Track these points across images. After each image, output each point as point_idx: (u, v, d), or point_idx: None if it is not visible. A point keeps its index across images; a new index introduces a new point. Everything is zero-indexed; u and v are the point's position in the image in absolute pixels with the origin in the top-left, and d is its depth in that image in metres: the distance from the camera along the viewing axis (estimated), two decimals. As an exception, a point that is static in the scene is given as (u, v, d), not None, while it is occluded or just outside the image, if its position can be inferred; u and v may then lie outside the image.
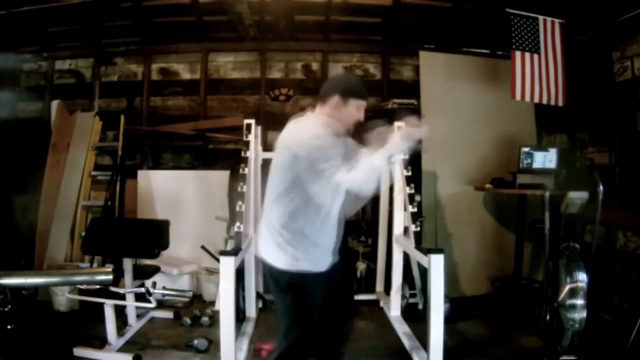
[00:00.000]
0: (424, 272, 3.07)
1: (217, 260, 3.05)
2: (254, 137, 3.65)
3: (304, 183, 1.90)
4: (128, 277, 3.29)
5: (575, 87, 4.12)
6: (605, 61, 3.92)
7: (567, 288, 2.78)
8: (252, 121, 3.68)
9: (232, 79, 5.13)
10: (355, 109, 2.05)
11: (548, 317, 2.87)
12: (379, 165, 1.83)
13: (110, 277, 1.21)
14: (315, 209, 1.96)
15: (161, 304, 3.82)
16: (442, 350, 2.59)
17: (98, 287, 3.06)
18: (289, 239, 1.97)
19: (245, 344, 3.14)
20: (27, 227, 4.62)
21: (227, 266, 2.60)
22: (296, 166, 1.90)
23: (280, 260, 1.99)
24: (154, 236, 3.30)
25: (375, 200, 4.47)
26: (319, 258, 2.02)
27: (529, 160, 3.98)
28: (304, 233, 1.97)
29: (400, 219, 3.71)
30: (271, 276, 2.05)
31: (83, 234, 3.81)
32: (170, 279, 4.15)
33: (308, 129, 1.96)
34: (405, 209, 3.48)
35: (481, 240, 4.57)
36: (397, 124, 3.63)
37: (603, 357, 3.01)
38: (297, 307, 2.01)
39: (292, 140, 1.97)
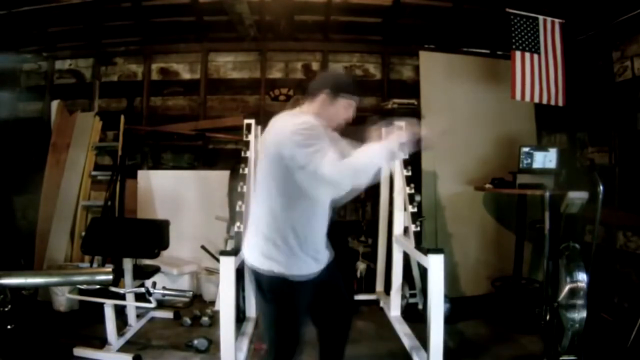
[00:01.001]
0: (424, 272, 3.07)
1: (217, 260, 3.04)
2: (254, 137, 3.64)
3: (293, 181, 1.79)
4: (128, 277, 3.29)
5: (575, 87, 4.12)
6: (605, 61, 3.92)
7: (567, 288, 2.78)
8: (252, 121, 3.68)
9: (232, 79, 5.13)
10: (345, 107, 1.94)
11: (548, 317, 2.87)
12: (372, 160, 1.71)
13: (110, 277, 1.21)
14: (303, 210, 1.87)
15: (161, 304, 3.82)
16: (442, 350, 2.59)
17: (98, 287, 3.06)
18: (276, 243, 1.86)
19: (245, 344, 3.14)
20: (27, 227, 4.62)
21: (227, 266, 2.61)
22: (281, 165, 1.79)
23: (264, 263, 1.87)
24: (154, 236, 3.30)
25: (375, 200, 4.48)
26: (305, 262, 1.90)
27: (529, 160, 3.98)
28: (289, 236, 1.86)
29: (400, 219, 3.71)
30: (255, 281, 1.93)
31: (83, 234, 3.81)
32: (170, 279, 4.15)
33: (289, 123, 1.82)
34: (405, 209, 3.47)
35: (481, 240, 4.56)
36: (397, 123, 3.66)
37: (603, 357, 3.01)
38: (278, 314, 1.91)
39: (273, 141, 1.85)
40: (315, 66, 5.12)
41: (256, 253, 1.91)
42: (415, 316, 3.69)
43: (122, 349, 3.12)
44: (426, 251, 2.70)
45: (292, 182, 1.81)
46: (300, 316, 1.96)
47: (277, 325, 1.93)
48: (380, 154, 1.74)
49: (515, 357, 3.16)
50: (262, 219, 1.91)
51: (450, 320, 3.42)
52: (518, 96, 3.90)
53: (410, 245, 3.13)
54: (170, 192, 4.60)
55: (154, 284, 3.14)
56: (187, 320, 3.67)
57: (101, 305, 3.12)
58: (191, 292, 3.51)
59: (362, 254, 4.45)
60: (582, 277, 2.76)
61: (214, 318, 3.61)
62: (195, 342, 3.20)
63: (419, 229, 3.14)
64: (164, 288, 3.22)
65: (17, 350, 2.68)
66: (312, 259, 1.93)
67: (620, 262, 3.73)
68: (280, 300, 1.89)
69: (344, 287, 2.19)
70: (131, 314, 3.51)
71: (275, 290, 1.88)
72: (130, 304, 3.41)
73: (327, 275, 2.02)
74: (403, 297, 3.85)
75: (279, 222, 1.87)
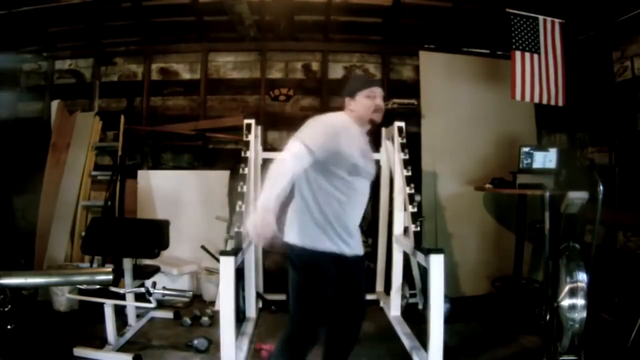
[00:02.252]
0: (424, 272, 3.07)
1: (217, 260, 3.04)
2: (254, 137, 3.65)
3: (318, 169, 2.06)
4: (128, 277, 3.29)
5: (575, 87, 4.11)
6: (605, 61, 3.92)
7: (567, 288, 2.78)
8: (252, 121, 3.68)
9: (232, 79, 5.13)
10: (367, 99, 2.15)
11: (548, 317, 2.87)
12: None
13: (110, 277, 1.21)
14: (329, 195, 2.07)
15: (161, 304, 3.82)
16: (442, 350, 2.59)
17: (98, 287, 3.06)
18: (307, 221, 2.07)
19: (245, 344, 3.14)
20: (27, 227, 4.62)
21: (227, 266, 2.60)
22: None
23: (296, 239, 2.08)
24: (154, 236, 3.30)
25: (375, 200, 4.48)
26: (333, 240, 2.08)
27: (529, 160, 3.98)
28: (319, 216, 2.07)
29: (400, 219, 3.71)
30: (289, 256, 2.15)
31: (83, 234, 3.81)
32: (170, 279, 4.15)
33: (326, 117, 2.13)
34: (405, 209, 3.47)
35: (481, 240, 4.56)
36: (397, 124, 3.66)
37: (603, 357, 3.01)
38: (304, 283, 2.09)
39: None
40: (315, 66, 5.12)
41: (292, 231, 2.13)
42: (415, 316, 3.68)
43: (122, 349, 3.12)
44: (426, 251, 2.70)
45: (318, 170, 2.05)
46: (323, 289, 2.09)
47: (302, 294, 2.10)
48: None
49: (515, 357, 3.16)
50: (297, 203, 2.14)
51: (450, 320, 3.41)
52: (518, 96, 3.90)
53: (410, 245, 3.13)
54: (170, 192, 4.60)
55: (154, 284, 3.14)
56: (187, 320, 3.66)
57: (101, 305, 3.12)
58: (191, 292, 3.51)
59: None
60: (582, 277, 2.75)
61: (214, 318, 3.60)
62: (195, 342, 3.20)
63: (419, 229, 3.14)
64: (164, 288, 3.22)
65: (17, 350, 2.68)
66: (340, 239, 2.09)
67: (620, 262, 3.73)
68: (307, 270, 2.09)
69: (363, 290, 2.37)
70: (131, 314, 3.51)
71: (303, 261, 2.09)
72: (130, 304, 3.40)
73: (352, 272, 2.19)
74: (403, 297, 3.85)
75: (310, 206, 2.09)
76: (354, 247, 2.18)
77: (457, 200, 4.53)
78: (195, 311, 3.79)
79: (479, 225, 4.59)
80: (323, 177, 2.07)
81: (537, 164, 3.98)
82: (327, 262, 2.07)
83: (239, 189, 3.25)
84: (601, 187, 2.90)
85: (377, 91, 2.19)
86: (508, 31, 3.88)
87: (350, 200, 2.12)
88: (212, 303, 4.04)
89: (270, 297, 4.09)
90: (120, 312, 3.38)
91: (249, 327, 3.48)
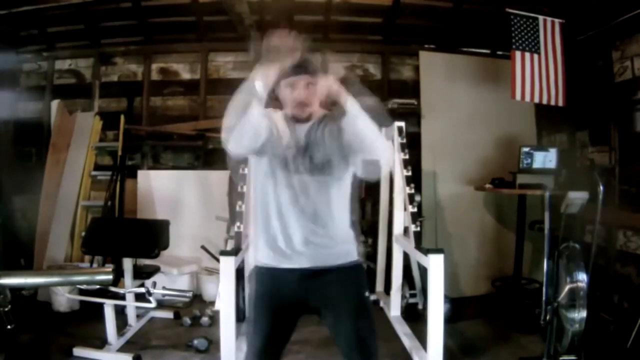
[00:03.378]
0: (424, 272, 3.07)
1: (217, 260, 3.04)
2: (254, 137, 3.63)
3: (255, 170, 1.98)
4: (128, 277, 3.29)
5: (575, 87, 4.11)
6: (605, 61, 3.91)
7: (567, 288, 2.78)
8: (253, 121, 3.66)
9: (232, 79, 5.13)
10: (287, 90, 1.87)
11: (548, 317, 2.87)
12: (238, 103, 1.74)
13: (110, 277, 1.21)
14: (258, 196, 1.90)
15: (161, 304, 3.81)
16: (442, 350, 2.59)
17: (98, 287, 3.06)
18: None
19: (245, 344, 3.13)
20: (27, 227, 4.62)
21: (227, 266, 2.60)
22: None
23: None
24: (154, 236, 3.30)
25: (375, 200, 4.48)
26: (262, 250, 1.85)
27: (529, 160, 3.98)
28: (253, 224, 1.94)
29: (400, 219, 3.71)
30: None
31: (83, 234, 3.81)
32: (170, 279, 4.15)
33: None
34: (405, 209, 3.47)
35: (481, 240, 4.57)
36: (397, 124, 3.66)
37: (603, 357, 3.01)
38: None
39: None
40: (315, 66, 5.11)
41: None
42: (415, 316, 3.68)
43: (122, 349, 3.12)
44: (426, 251, 2.69)
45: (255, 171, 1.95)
46: (257, 308, 1.89)
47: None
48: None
49: (515, 357, 3.16)
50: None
51: (450, 320, 3.42)
52: (518, 96, 3.90)
53: (410, 245, 3.13)
54: (170, 192, 4.60)
55: (154, 284, 3.14)
56: (187, 320, 3.67)
57: (101, 305, 3.12)
58: (191, 292, 3.51)
59: (362, 254, 4.44)
60: (582, 277, 2.76)
61: (214, 318, 3.60)
62: (195, 342, 3.20)
63: (419, 229, 3.13)
64: (164, 288, 3.22)
65: (17, 350, 2.68)
66: (270, 249, 1.83)
67: (620, 262, 3.73)
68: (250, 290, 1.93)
69: (359, 338, 1.81)
70: (131, 314, 3.51)
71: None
72: (130, 304, 3.41)
73: (325, 305, 1.89)
74: (403, 297, 3.84)
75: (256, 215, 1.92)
76: (299, 258, 1.83)
77: (457, 200, 4.53)
78: (195, 311, 3.80)
79: (479, 225, 4.59)
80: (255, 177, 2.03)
81: (537, 164, 3.98)
82: (260, 275, 1.87)
83: (239, 189, 3.25)
84: (601, 187, 2.91)
85: (296, 79, 1.82)
86: (508, 31, 3.88)
87: (277, 199, 1.86)
88: (212, 303, 4.03)
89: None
90: (120, 312, 3.38)
91: (249, 327, 3.47)
